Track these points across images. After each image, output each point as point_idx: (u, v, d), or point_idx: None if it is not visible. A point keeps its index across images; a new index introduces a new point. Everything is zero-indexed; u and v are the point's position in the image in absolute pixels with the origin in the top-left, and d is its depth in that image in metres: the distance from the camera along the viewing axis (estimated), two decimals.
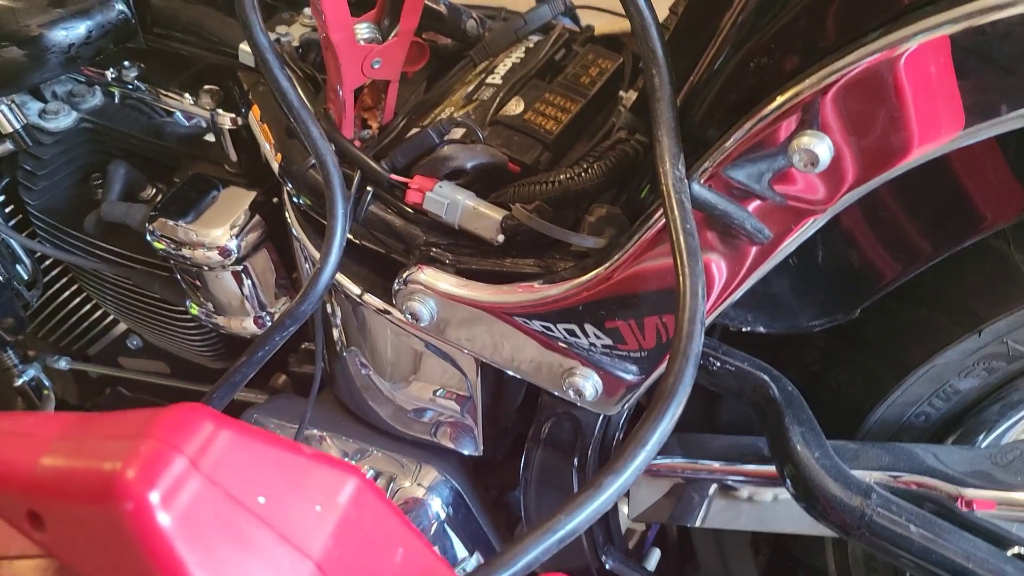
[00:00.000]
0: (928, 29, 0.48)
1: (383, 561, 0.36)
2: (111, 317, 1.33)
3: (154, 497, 0.30)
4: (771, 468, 0.74)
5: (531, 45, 0.95)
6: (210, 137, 1.07)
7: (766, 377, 0.71)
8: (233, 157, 1.03)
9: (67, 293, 1.30)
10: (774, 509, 0.78)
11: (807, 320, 0.67)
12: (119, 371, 1.36)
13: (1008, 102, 0.49)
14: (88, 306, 1.32)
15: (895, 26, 0.50)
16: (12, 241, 1.19)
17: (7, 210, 1.18)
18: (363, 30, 0.78)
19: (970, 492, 0.66)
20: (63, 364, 1.35)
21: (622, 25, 1.00)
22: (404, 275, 0.76)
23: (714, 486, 0.81)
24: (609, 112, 0.88)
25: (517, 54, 0.94)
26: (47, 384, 1.38)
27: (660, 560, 0.90)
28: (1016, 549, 0.67)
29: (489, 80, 0.91)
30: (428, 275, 0.74)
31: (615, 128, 0.79)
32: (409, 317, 0.75)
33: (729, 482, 0.78)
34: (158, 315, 1.17)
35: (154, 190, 1.12)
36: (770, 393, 0.70)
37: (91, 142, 1.12)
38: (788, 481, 0.68)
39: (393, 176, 0.78)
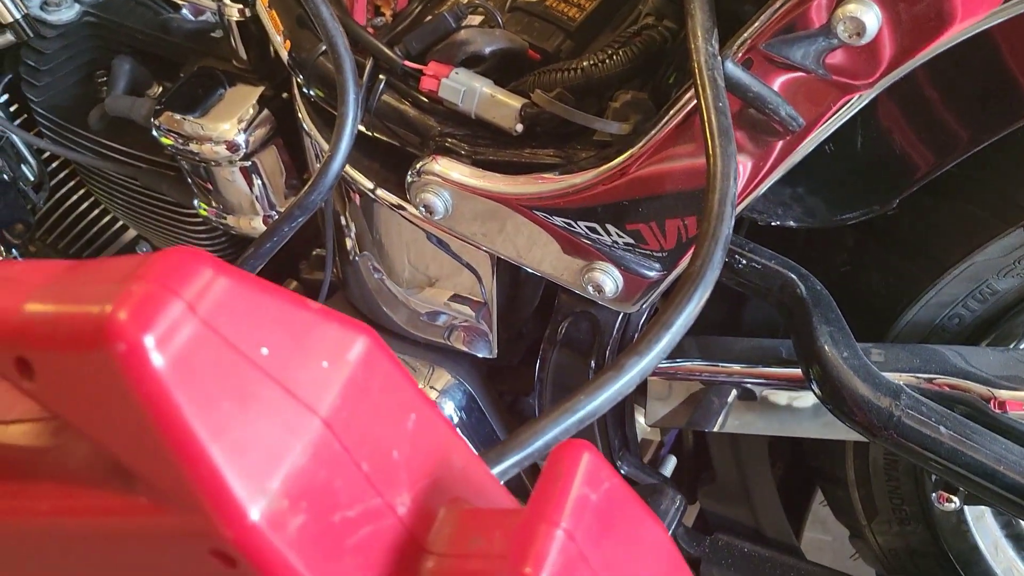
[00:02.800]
0: None
1: (394, 425, 0.34)
2: (120, 223, 1.31)
3: (148, 340, 0.27)
4: (794, 370, 0.72)
5: None
6: (218, 33, 1.03)
7: (793, 276, 0.68)
8: (241, 52, 0.99)
9: (75, 197, 1.27)
10: (794, 413, 0.76)
11: (840, 213, 0.64)
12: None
13: None
14: (97, 211, 1.30)
15: None
16: (17, 140, 1.16)
17: (11, 108, 1.15)
18: None
19: (1003, 393, 0.63)
20: None
21: None
22: (418, 166, 0.73)
23: (733, 391, 0.79)
24: (635, 2, 0.84)
25: None
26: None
27: (676, 468, 0.89)
28: None
29: None
30: (443, 165, 0.71)
31: (642, 14, 0.75)
32: (423, 210, 0.72)
33: (749, 385, 0.76)
34: (167, 218, 1.14)
35: (160, 88, 1.09)
36: (797, 292, 0.67)
37: (95, 37, 1.08)
38: (814, 383, 0.66)
39: (407, 63, 0.74)
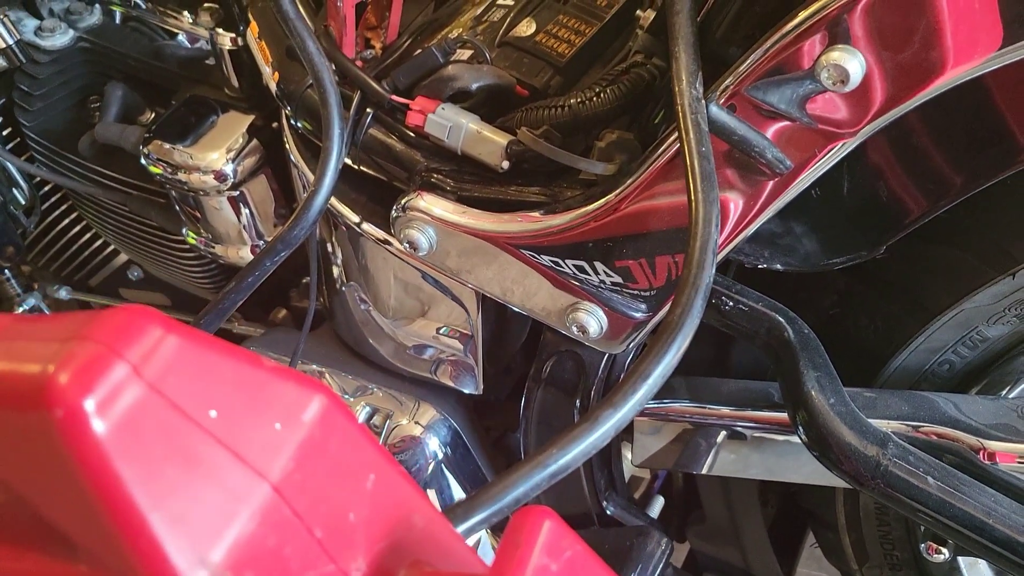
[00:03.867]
0: None
1: (351, 487, 0.33)
2: (112, 247, 1.30)
3: (88, 404, 0.26)
4: (783, 415, 0.71)
5: None
6: (211, 61, 1.03)
7: (781, 318, 0.67)
8: (233, 80, 0.99)
9: (67, 221, 1.27)
10: (784, 458, 0.74)
11: (828, 257, 0.63)
12: (120, 302, 1.33)
13: None
14: (88, 235, 1.29)
15: None
16: (8, 164, 1.16)
17: (3, 133, 1.15)
18: None
19: (993, 444, 0.62)
20: (63, 294, 1.33)
21: None
22: (403, 201, 0.72)
23: (723, 433, 0.78)
24: (626, 38, 0.83)
25: None
26: (47, 313, 1.36)
27: (664, 508, 0.87)
28: None
29: (500, 1, 0.86)
30: (428, 201, 0.71)
31: (631, 51, 0.75)
32: (407, 246, 0.71)
33: (738, 429, 0.74)
34: (157, 244, 1.14)
35: (152, 114, 1.09)
36: (784, 335, 0.66)
37: (89, 63, 1.08)
38: (800, 428, 0.65)
39: (394, 97, 0.74)
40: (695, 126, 0.53)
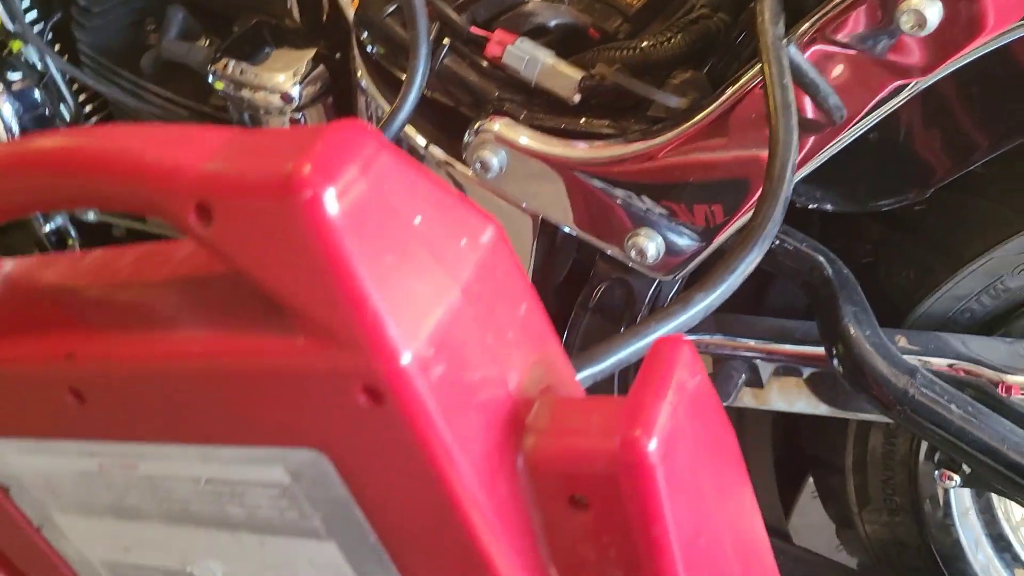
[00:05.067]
0: None
1: (510, 309, 0.37)
2: None
3: (329, 192, 0.31)
4: (814, 349, 0.76)
5: None
6: None
7: (822, 258, 0.72)
8: (295, 12, 1.02)
9: None
10: (808, 393, 0.80)
11: (877, 199, 0.68)
12: (148, 226, 1.36)
13: None
14: None
15: None
16: (59, 78, 1.19)
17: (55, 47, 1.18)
18: None
19: (1010, 378, 0.68)
20: (91, 216, 1.35)
21: None
22: (476, 125, 0.77)
23: (746, 369, 0.83)
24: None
25: None
26: (72, 235, 1.38)
27: None
28: None
29: None
30: (502, 126, 0.75)
31: (697, 5, 0.80)
32: (478, 167, 0.76)
33: (769, 361, 0.80)
34: None
35: (207, 40, 1.12)
36: (825, 274, 0.72)
37: None
38: (836, 360, 0.70)
39: (474, 28, 0.78)
40: (777, 60, 0.58)
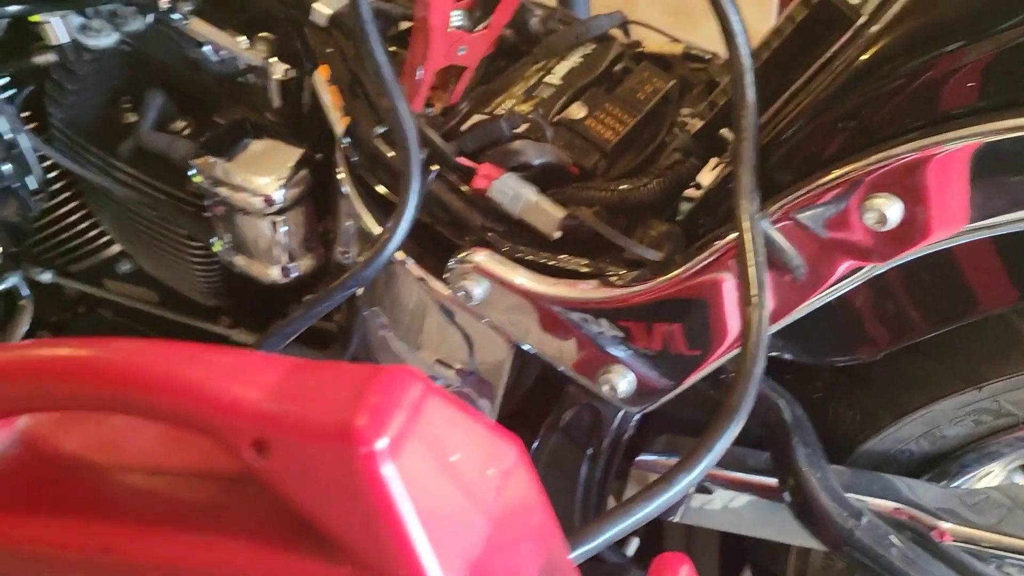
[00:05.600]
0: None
1: (525, 521, 0.41)
2: (106, 238, 1.33)
3: (382, 442, 0.34)
4: (766, 479, 0.81)
5: (588, 52, 1.00)
6: (251, 82, 1.08)
7: (781, 401, 0.78)
8: (276, 106, 1.05)
9: (66, 208, 1.29)
10: (748, 515, 0.85)
11: (832, 355, 0.74)
12: (106, 293, 1.35)
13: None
14: (83, 224, 1.31)
15: (976, 120, 0.57)
16: (28, 151, 1.18)
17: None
18: (456, 17, 0.82)
19: (944, 524, 0.74)
20: (47, 277, 1.34)
21: (670, 47, 1.06)
22: (461, 255, 0.80)
23: (697, 488, 0.88)
24: (654, 129, 0.94)
25: (575, 59, 0.99)
26: (24, 294, 1.37)
27: (638, 548, 0.97)
28: None
29: (548, 80, 0.95)
30: (485, 258, 0.79)
31: (670, 148, 0.85)
32: (462, 294, 0.79)
33: (710, 485, 0.85)
34: (168, 245, 1.18)
35: (184, 124, 1.14)
36: (782, 415, 0.77)
37: (127, 65, 1.12)
38: (788, 495, 0.75)
39: (461, 159, 0.82)
40: (754, 238, 0.64)
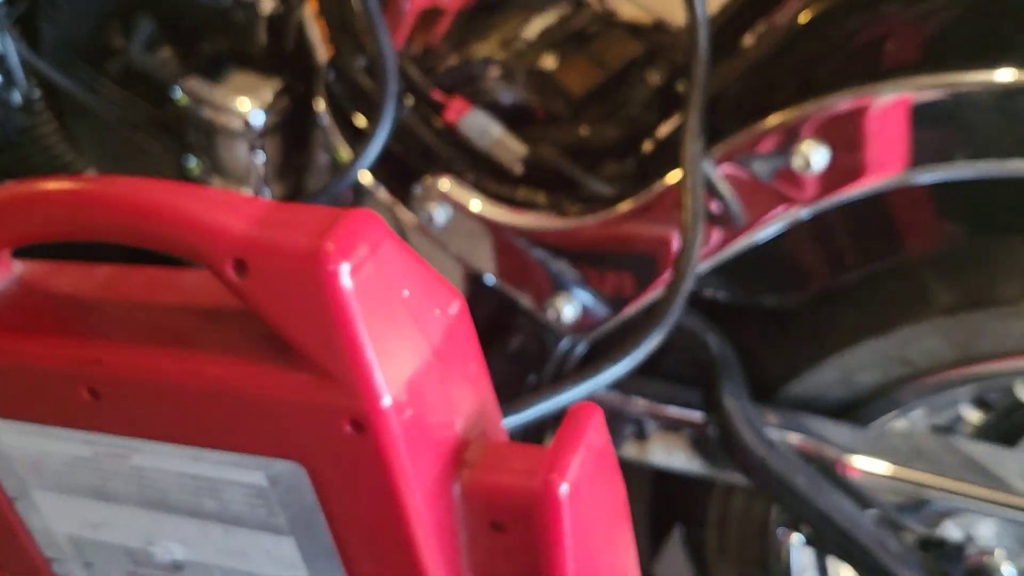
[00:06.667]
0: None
1: (463, 367, 0.47)
2: (82, 160, 1.36)
3: (344, 267, 0.40)
4: (692, 412, 0.88)
5: (564, 12, 1.06)
6: (235, 15, 1.12)
7: (711, 338, 0.85)
8: (262, 41, 1.10)
9: (44, 130, 1.32)
10: (681, 452, 0.92)
11: (762, 294, 0.81)
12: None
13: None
14: (62, 147, 1.34)
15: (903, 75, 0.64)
16: (15, 64, 1.22)
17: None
18: None
19: (848, 458, 0.81)
20: None
21: (642, 17, 1.13)
22: (427, 181, 0.86)
23: (630, 426, 0.95)
24: (620, 89, 1.01)
25: (551, 17, 1.05)
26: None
27: None
28: (872, 510, 0.83)
29: (524, 34, 1.01)
30: (451, 185, 0.85)
31: (632, 103, 0.92)
32: (426, 218, 0.85)
33: (645, 422, 0.92)
34: (143, 164, 1.22)
35: (170, 52, 1.18)
36: (712, 351, 0.84)
37: None
38: (712, 425, 0.82)
39: (436, 92, 0.88)
40: (694, 174, 0.70)
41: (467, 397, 0.48)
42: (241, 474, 0.47)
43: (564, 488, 0.43)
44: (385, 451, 0.42)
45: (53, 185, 0.47)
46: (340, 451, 0.43)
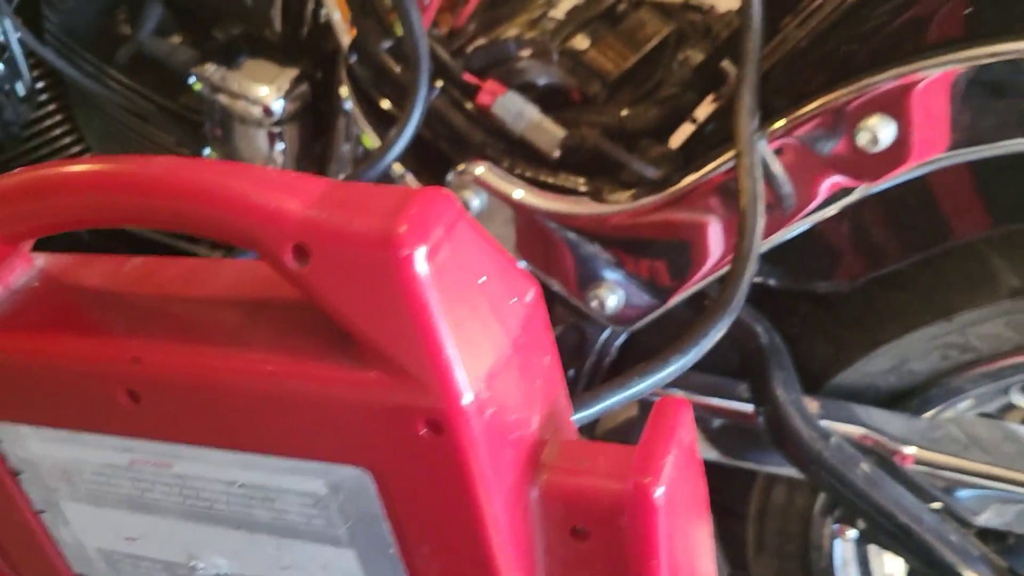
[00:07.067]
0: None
1: (538, 359, 0.43)
2: (89, 153, 1.32)
3: (420, 252, 0.36)
4: (737, 404, 0.84)
5: None
6: (251, 2, 1.08)
7: (759, 327, 0.81)
8: (277, 25, 1.05)
9: (51, 121, 1.28)
10: (728, 442, 0.88)
11: (813, 280, 0.77)
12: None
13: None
14: (69, 139, 1.30)
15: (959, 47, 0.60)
16: (19, 54, 1.17)
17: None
18: None
19: (907, 449, 0.78)
20: None
21: None
22: (461, 167, 0.82)
23: None
24: (653, 69, 0.97)
25: None
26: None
27: None
28: (936, 504, 0.80)
29: (552, 13, 0.97)
30: (485, 171, 0.81)
31: (669, 82, 0.88)
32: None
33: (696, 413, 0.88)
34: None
35: (180, 37, 1.14)
36: (761, 341, 0.80)
37: None
38: (763, 418, 0.79)
39: (467, 75, 0.84)
40: (751, 154, 0.66)
41: (542, 392, 0.44)
42: (297, 482, 0.43)
43: (659, 491, 0.39)
44: (464, 454, 0.38)
45: (81, 166, 0.42)
46: (412, 455, 0.39)
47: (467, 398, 0.37)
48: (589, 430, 0.86)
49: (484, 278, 0.39)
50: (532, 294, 0.42)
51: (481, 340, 0.38)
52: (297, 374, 0.39)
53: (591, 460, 0.43)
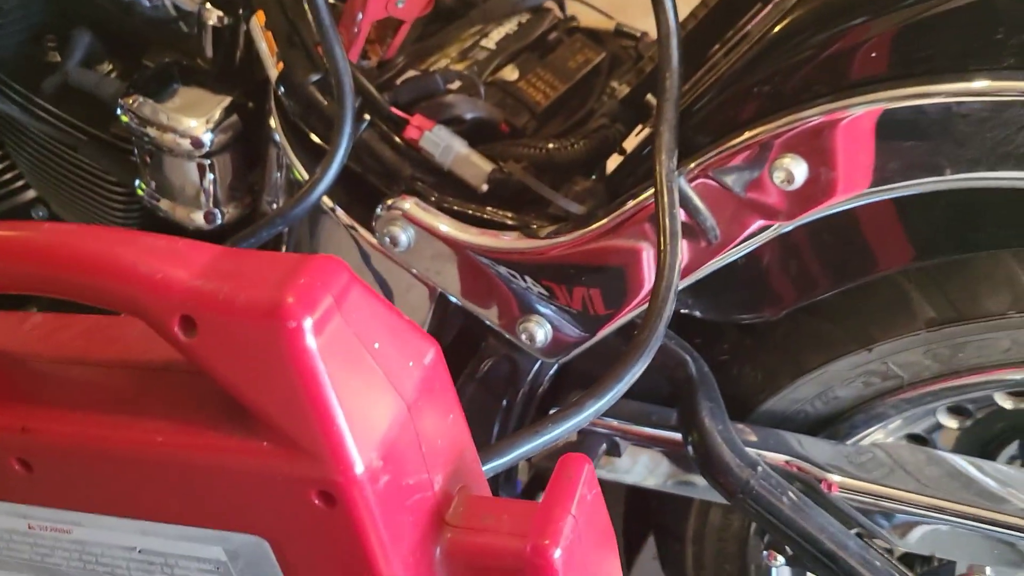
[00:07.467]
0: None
1: (440, 418, 0.43)
2: (21, 182, 1.29)
3: (308, 322, 0.36)
4: (667, 432, 0.85)
5: (523, 20, 1.03)
6: (184, 29, 1.07)
7: (688, 357, 0.82)
8: (209, 53, 1.04)
9: None
10: (655, 469, 0.89)
11: (738, 313, 0.78)
12: None
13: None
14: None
15: (888, 86, 0.61)
16: None
17: None
18: None
19: (831, 477, 0.79)
20: None
21: (603, 23, 1.10)
22: (389, 202, 0.82)
23: (604, 444, 0.92)
24: (583, 97, 0.97)
25: (510, 26, 1.01)
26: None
27: None
28: (857, 529, 0.81)
29: (483, 43, 0.98)
30: (412, 206, 0.81)
31: (598, 114, 0.89)
32: (387, 241, 0.81)
33: (627, 440, 0.89)
34: (87, 188, 1.16)
35: (110, 66, 1.12)
36: (689, 370, 0.81)
37: (54, 2, 1.10)
38: (691, 447, 0.79)
39: (394, 109, 0.84)
40: (669, 191, 0.67)
41: (446, 451, 0.44)
42: (197, 549, 0.42)
43: (557, 553, 0.39)
44: (359, 523, 0.38)
45: None
46: (307, 524, 0.38)
47: (358, 469, 0.37)
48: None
49: (378, 344, 0.39)
50: (431, 355, 0.42)
51: (374, 408, 0.38)
52: (190, 443, 0.39)
53: (495, 517, 0.43)
